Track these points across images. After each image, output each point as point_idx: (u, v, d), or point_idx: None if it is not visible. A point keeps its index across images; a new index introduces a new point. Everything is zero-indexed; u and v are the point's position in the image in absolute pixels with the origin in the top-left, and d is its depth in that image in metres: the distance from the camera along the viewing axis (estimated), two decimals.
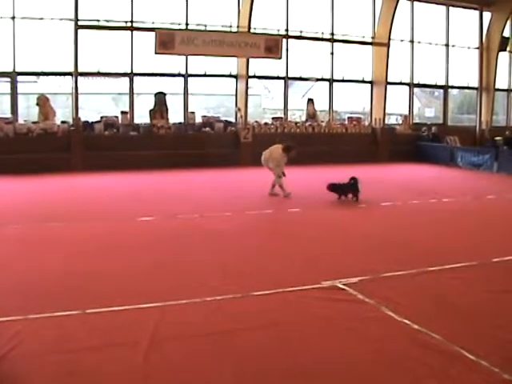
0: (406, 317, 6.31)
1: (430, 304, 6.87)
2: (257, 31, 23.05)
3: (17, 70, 20.90)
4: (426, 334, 5.89)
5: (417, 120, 28.10)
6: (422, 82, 27.58)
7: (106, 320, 6.32)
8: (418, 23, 26.65)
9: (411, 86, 27.17)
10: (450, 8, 27.20)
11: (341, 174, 19.76)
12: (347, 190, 15.04)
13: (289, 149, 16.03)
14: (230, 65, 23.68)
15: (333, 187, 15.01)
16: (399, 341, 5.77)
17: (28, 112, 22.47)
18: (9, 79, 21.06)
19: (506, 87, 29.45)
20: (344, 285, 7.43)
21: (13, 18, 20.42)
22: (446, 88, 28.09)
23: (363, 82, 26.22)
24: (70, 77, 21.31)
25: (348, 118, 26.14)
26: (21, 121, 21.02)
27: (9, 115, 20.78)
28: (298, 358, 5.43)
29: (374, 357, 5.47)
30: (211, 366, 5.25)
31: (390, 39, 25.05)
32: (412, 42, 26.63)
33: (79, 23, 20.60)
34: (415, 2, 26.37)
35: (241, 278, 7.79)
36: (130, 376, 5.04)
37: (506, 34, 27.70)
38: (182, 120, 23.16)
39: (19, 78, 21.22)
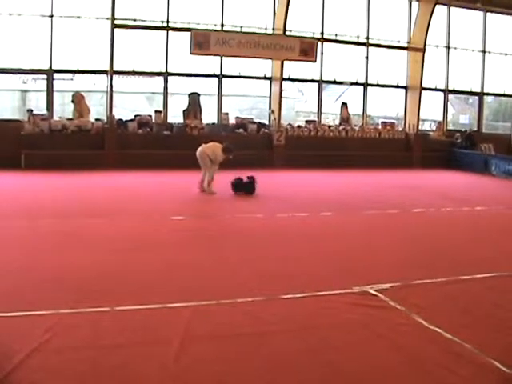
0: (438, 325, 6.24)
1: (461, 313, 6.79)
2: (292, 34, 23.04)
3: (53, 67, 21.10)
4: (458, 343, 5.82)
5: (451, 127, 27.85)
6: (456, 89, 27.34)
7: (138, 318, 6.34)
8: (454, 29, 26.42)
9: (446, 92, 26.95)
10: (488, 14, 26.95)
11: (373, 179, 19.82)
12: (243, 188, 15.53)
13: (229, 150, 16.01)
14: (265, 67, 23.68)
15: (235, 182, 15.56)
16: (431, 349, 5.71)
17: (63, 109, 22.71)
18: (45, 76, 21.28)
19: None
20: (375, 291, 7.38)
21: (51, 16, 20.62)
22: (481, 95, 27.82)
23: (397, 86, 26.07)
24: (105, 75, 21.46)
25: (381, 122, 26.03)
26: (56, 117, 21.22)
27: (44, 112, 20.97)
28: (329, 363, 5.39)
29: (405, 364, 5.42)
30: (242, 368, 5.23)
31: (425, 44, 24.87)
32: (448, 47, 26.41)
33: (116, 22, 20.75)
34: (452, 8, 26.17)
35: (272, 281, 7.78)
36: (160, 375, 5.04)
37: None
38: (215, 121, 23.23)
39: (55, 75, 21.42)
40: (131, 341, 5.70)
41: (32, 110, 20.79)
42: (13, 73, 21.87)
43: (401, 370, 5.32)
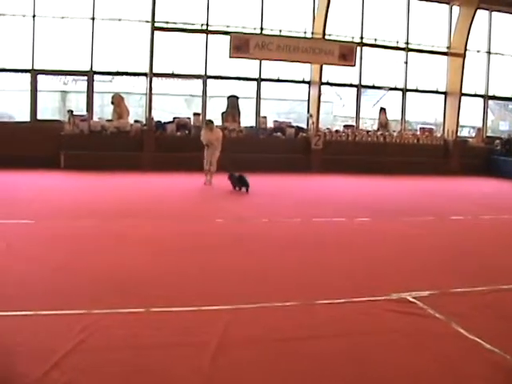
0: (478, 335, 6.16)
1: (501, 323, 6.69)
2: (331, 38, 22.99)
3: (94, 69, 21.32)
4: (499, 354, 5.73)
5: (490, 133, 27.53)
6: (496, 95, 27.03)
7: (176, 319, 6.36)
8: (495, 34, 26.14)
9: (486, 97, 26.66)
10: None
11: (411, 185, 19.68)
12: (236, 183, 16.44)
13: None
14: (303, 71, 23.66)
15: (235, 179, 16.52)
16: (470, 359, 5.65)
17: (102, 110, 22.91)
18: (86, 78, 21.49)
19: None
20: (414, 298, 7.32)
21: (92, 18, 20.84)
22: None
23: (437, 92, 25.86)
24: (144, 77, 21.63)
25: (420, 128, 25.82)
26: (95, 119, 21.43)
27: (84, 113, 21.18)
28: (368, 369, 5.36)
29: (444, 374, 5.36)
30: (278, 373, 5.21)
31: (466, 49, 24.62)
32: (489, 53, 26.15)
33: (156, 25, 20.89)
34: (493, 12, 25.89)
35: (310, 286, 7.76)
36: (196, 377, 5.03)
37: None
38: (253, 124, 23.25)
39: (95, 76, 21.63)
40: (167, 342, 5.71)
41: (72, 111, 21.03)
42: (54, 74, 22.10)
43: (439, 379, 5.27)
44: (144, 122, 21.44)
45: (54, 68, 21.15)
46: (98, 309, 6.42)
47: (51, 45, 20.85)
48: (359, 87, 24.64)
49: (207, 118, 21.06)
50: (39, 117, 20.97)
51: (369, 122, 27.05)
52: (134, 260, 8.63)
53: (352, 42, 23.42)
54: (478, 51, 25.90)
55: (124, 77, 22.76)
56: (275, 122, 23.51)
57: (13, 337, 5.57)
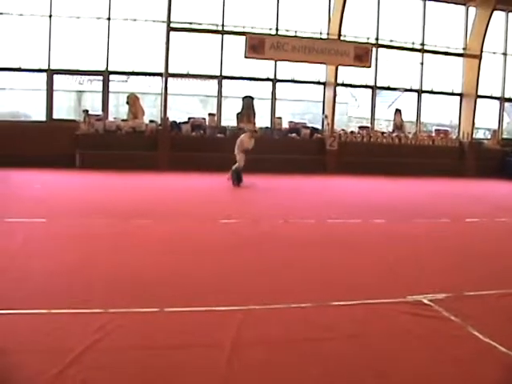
0: (493, 338, 6.10)
1: None
2: (347, 39, 22.98)
3: (109, 69, 21.42)
4: None
5: (506, 135, 27.41)
6: None
7: (189, 320, 6.34)
8: None
9: (502, 100, 26.56)
10: None
11: (426, 186, 19.64)
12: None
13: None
14: (319, 71, 23.65)
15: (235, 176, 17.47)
16: (486, 363, 5.60)
17: (117, 110, 23.00)
18: (101, 78, 21.59)
19: None
20: (429, 300, 7.27)
21: (108, 18, 20.94)
22: None
23: (452, 94, 25.79)
24: (159, 77, 21.71)
25: (435, 130, 25.74)
26: (111, 118, 21.52)
27: (100, 112, 21.27)
28: (381, 372, 5.31)
29: (459, 377, 5.30)
30: (293, 374, 5.18)
31: (482, 51, 24.53)
32: (505, 54, 26.04)
33: (171, 25, 20.95)
34: (510, 14, 25.78)
35: (324, 287, 7.73)
36: (211, 378, 5.01)
37: None
38: (268, 124, 23.26)
39: (111, 76, 21.72)
40: (182, 343, 5.69)
41: (87, 111, 21.15)
42: (69, 74, 22.23)
43: (454, 382, 5.23)
44: (159, 122, 21.51)
45: (69, 68, 21.32)
46: (113, 308, 6.41)
47: (67, 45, 20.99)
48: (374, 88, 24.62)
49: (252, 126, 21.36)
50: (55, 116, 21.12)
51: (384, 123, 27.04)
52: (148, 259, 8.63)
53: (367, 43, 23.41)
54: (495, 53, 25.81)
55: (139, 77, 22.89)
56: (290, 122, 23.52)
57: (27, 336, 5.59)
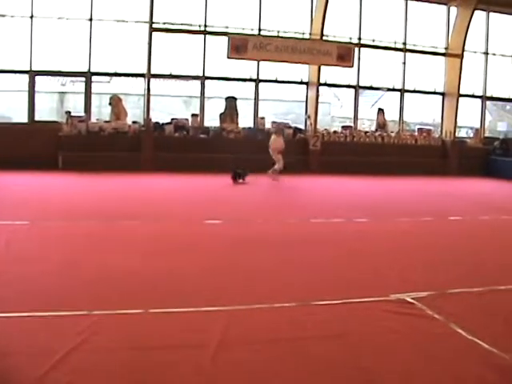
0: (477, 335, 6.15)
1: (501, 324, 6.66)
2: (329, 39, 23.02)
3: (91, 70, 21.34)
4: (497, 354, 5.71)
5: (488, 134, 27.54)
6: (494, 95, 27.06)
7: (174, 320, 6.34)
8: (493, 34, 26.17)
9: (483, 98, 26.69)
10: None
11: (409, 185, 19.72)
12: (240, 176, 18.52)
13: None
14: (301, 71, 23.68)
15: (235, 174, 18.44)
16: (469, 360, 5.62)
17: (100, 111, 22.91)
18: (84, 79, 21.51)
19: None
20: (412, 299, 7.31)
21: (90, 19, 20.86)
22: None
23: (434, 93, 25.89)
24: (142, 78, 21.65)
25: (418, 129, 25.84)
26: (93, 119, 21.44)
27: (82, 114, 21.19)
28: (366, 370, 5.33)
29: (443, 374, 5.32)
30: (278, 373, 5.20)
31: (463, 50, 24.65)
32: (486, 53, 26.17)
33: (154, 26, 20.91)
34: (491, 13, 25.92)
35: (308, 286, 7.74)
36: (196, 378, 5.03)
37: None
38: (251, 125, 23.27)
39: (93, 77, 21.65)
40: (167, 344, 5.69)
41: (70, 112, 21.05)
42: (52, 75, 22.09)
43: (437, 379, 5.25)
44: (142, 123, 21.46)
45: (51, 69, 21.17)
46: (97, 310, 6.40)
47: (49, 46, 20.86)
48: (357, 88, 24.67)
49: (276, 126, 22.36)
50: (37, 118, 20.99)
51: (367, 122, 27.10)
52: (132, 261, 8.61)
53: (350, 43, 23.46)
54: (476, 52, 25.92)
55: (122, 78, 22.78)
56: (273, 122, 23.51)
57: (11, 338, 5.56)
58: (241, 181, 18.45)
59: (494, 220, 14.24)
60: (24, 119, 20.88)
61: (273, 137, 19.91)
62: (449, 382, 5.22)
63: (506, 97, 27.46)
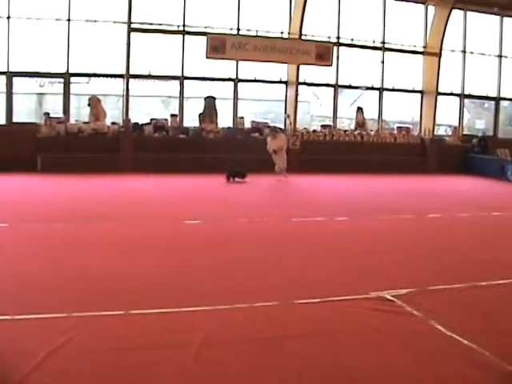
0: (456, 332, 6.18)
1: (480, 320, 6.72)
2: (308, 38, 23.05)
3: (70, 71, 21.22)
4: (477, 350, 5.75)
5: (466, 132, 27.69)
6: (472, 93, 27.23)
7: (155, 321, 6.34)
8: (470, 33, 26.33)
9: (462, 96, 26.84)
10: (504, 18, 26.80)
11: (389, 183, 19.80)
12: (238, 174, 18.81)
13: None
14: (280, 71, 23.70)
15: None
16: (449, 356, 5.66)
17: (79, 112, 22.78)
18: (62, 80, 21.39)
19: None
20: (392, 296, 7.34)
21: (68, 20, 20.75)
22: (497, 99, 27.64)
23: (413, 91, 26.01)
24: (121, 79, 21.57)
25: (397, 127, 25.93)
26: (72, 121, 21.33)
27: (61, 115, 21.07)
28: (346, 368, 5.36)
29: (423, 371, 5.36)
30: (259, 372, 5.22)
31: (441, 49, 24.78)
32: (464, 52, 26.30)
33: (132, 26, 20.83)
34: (468, 12, 26.07)
35: (289, 285, 7.76)
36: (178, 378, 5.03)
37: None
38: (231, 125, 23.26)
39: (72, 78, 21.54)
40: (148, 344, 5.68)
41: (48, 113, 20.92)
42: (30, 76, 21.94)
43: (417, 375, 5.28)
44: (121, 124, 21.38)
45: (29, 70, 21.01)
46: (77, 312, 6.37)
47: (27, 47, 20.72)
48: (336, 87, 24.70)
49: (272, 126, 22.38)
50: (15, 119, 20.84)
51: (346, 121, 27.16)
52: (112, 262, 8.60)
53: (328, 42, 23.49)
54: (453, 50, 26.05)
55: (101, 78, 22.64)
56: (252, 122, 23.50)
57: None
58: (237, 180, 18.78)
59: (473, 217, 14.33)
60: (2, 121, 20.72)
61: (268, 139, 20.23)
62: (429, 379, 5.24)
63: (484, 95, 27.59)
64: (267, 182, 18.96)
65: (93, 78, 22.88)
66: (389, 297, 7.33)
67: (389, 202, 15.87)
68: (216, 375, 5.13)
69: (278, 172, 19.71)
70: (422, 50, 25.37)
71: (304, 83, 24.27)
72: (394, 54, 25.21)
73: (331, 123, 24.84)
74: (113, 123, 21.56)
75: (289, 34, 23.14)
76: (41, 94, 23.90)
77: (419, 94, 25.96)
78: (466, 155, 25.24)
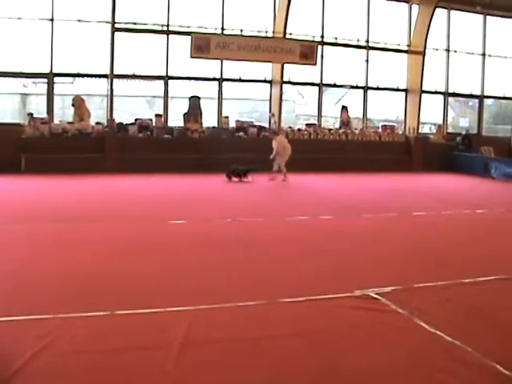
0: (440, 329, 6.21)
1: (463, 317, 6.76)
2: (292, 37, 23.08)
3: (54, 71, 21.15)
4: (460, 347, 5.78)
5: (451, 130, 27.81)
6: (456, 92, 27.36)
7: (138, 322, 6.31)
8: (454, 32, 26.45)
9: (446, 95, 26.97)
10: (488, 17, 26.95)
11: (373, 182, 19.84)
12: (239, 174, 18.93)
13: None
14: (265, 70, 23.71)
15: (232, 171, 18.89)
16: (432, 353, 5.68)
17: (63, 113, 22.72)
18: (46, 80, 21.31)
19: None
20: (377, 294, 7.35)
21: (51, 19, 20.67)
22: (481, 98, 27.81)
23: (397, 90, 26.10)
24: (105, 79, 21.51)
25: (382, 126, 26.03)
26: (56, 121, 21.25)
27: (45, 115, 21.00)
28: (331, 366, 5.37)
29: (407, 367, 5.39)
30: (243, 372, 5.20)
31: (425, 47, 24.89)
32: (448, 50, 26.45)
33: (116, 26, 20.78)
34: (452, 11, 26.18)
35: (273, 285, 7.75)
36: (161, 379, 5.01)
37: None
38: (215, 124, 23.24)
39: (56, 79, 21.46)
40: (131, 345, 5.67)
41: (32, 114, 20.85)
42: (13, 76, 21.84)
43: (402, 373, 5.30)
44: (105, 124, 21.32)
45: (13, 70, 20.93)
46: (61, 313, 6.34)
47: (10, 47, 20.63)
48: (321, 86, 24.76)
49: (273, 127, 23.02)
50: None
51: (331, 120, 27.23)
52: (96, 263, 8.56)
53: (313, 41, 23.54)
54: (437, 49, 26.16)
55: (85, 78, 22.58)
56: (237, 121, 23.53)
57: None
58: (237, 179, 18.83)
59: (457, 214, 14.39)
60: None
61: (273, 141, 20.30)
62: (414, 375, 5.26)
63: (468, 93, 27.76)
64: (254, 182, 18.95)
65: (77, 78, 22.81)
66: (373, 295, 7.34)
67: (373, 201, 15.90)
68: (199, 376, 5.12)
69: (275, 171, 19.67)
70: (406, 48, 25.48)
71: (289, 82, 24.32)
72: (378, 53, 25.32)
73: (316, 122, 24.89)
74: (97, 123, 21.51)
75: (273, 33, 23.16)
76: (24, 94, 23.82)
77: (403, 93, 26.10)
78: (450, 153, 25.34)
